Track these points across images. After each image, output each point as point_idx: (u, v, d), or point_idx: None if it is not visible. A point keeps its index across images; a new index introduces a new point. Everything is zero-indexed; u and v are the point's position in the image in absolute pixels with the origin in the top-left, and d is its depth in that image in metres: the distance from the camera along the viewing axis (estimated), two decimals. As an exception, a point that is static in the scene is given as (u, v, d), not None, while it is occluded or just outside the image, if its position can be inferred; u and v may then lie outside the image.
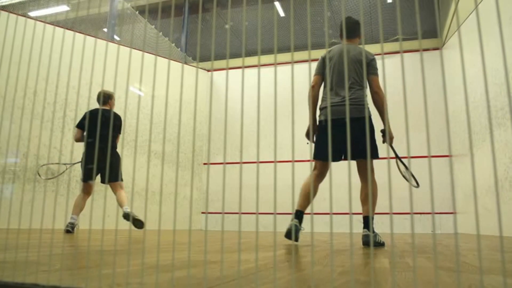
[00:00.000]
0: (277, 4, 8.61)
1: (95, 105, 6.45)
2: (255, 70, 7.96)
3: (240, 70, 8.42)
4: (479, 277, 1.20)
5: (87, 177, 4.27)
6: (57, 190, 5.91)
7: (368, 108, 2.84)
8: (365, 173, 2.83)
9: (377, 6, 7.84)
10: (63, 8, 8.61)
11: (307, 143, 2.73)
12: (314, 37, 8.59)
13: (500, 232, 0.77)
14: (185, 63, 8.58)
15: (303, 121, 4.47)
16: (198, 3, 9.41)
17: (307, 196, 2.89)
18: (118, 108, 6.63)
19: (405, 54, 7.17)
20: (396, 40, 7.67)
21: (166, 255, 1.87)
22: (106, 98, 4.57)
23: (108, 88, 5.60)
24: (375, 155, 2.77)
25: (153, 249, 2.29)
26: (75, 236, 3.53)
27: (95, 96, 6.43)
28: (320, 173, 2.96)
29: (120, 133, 4.51)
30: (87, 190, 4.37)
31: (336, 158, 2.80)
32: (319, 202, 4.64)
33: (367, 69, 2.92)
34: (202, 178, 8.26)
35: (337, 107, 2.84)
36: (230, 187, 4.91)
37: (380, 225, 6.79)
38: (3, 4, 7.91)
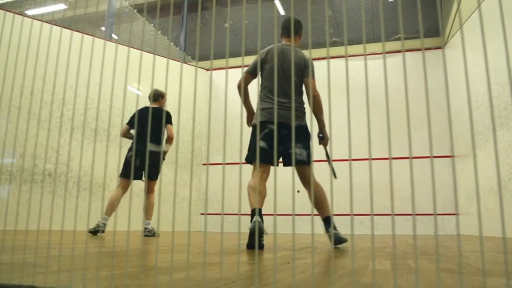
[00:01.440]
0: (277, 2, 8.61)
1: (93, 104, 6.45)
2: (255, 69, 7.95)
3: (239, 69, 8.41)
4: (482, 279, 1.20)
5: (127, 174, 4.30)
6: (54, 191, 5.91)
7: (304, 115, 2.88)
8: (305, 179, 2.87)
9: (378, 4, 7.85)
10: (61, 6, 8.61)
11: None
12: (314, 36, 8.59)
13: (503, 233, 0.77)
14: (184, 62, 8.58)
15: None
16: (197, 2, 9.41)
17: (260, 195, 2.79)
18: (116, 108, 6.63)
19: (407, 53, 7.16)
20: (398, 39, 7.66)
21: (165, 257, 1.87)
22: (156, 96, 4.61)
23: (106, 87, 5.60)
24: (308, 161, 2.80)
25: (152, 251, 2.29)
26: (73, 237, 3.52)
27: (93, 96, 6.43)
28: (262, 172, 2.85)
29: (171, 123, 4.55)
30: (123, 186, 4.41)
31: (268, 161, 2.80)
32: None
33: (305, 72, 2.90)
34: (201, 178, 8.26)
35: (277, 111, 2.80)
36: (229, 188, 4.89)
37: (381, 226, 6.82)
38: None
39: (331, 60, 7.30)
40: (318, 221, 6.84)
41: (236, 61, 8.55)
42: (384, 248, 2.82)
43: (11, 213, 3.95)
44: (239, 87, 2.97)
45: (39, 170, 5.79)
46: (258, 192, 2.75)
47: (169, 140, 4.53)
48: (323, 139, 3.03)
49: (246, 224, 4.94)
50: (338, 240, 2.70)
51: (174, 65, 7.62)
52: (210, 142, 8.11)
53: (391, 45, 7.67)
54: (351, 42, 8.12)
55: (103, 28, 7.88)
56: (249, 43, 9.61)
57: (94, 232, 3.74)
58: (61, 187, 5.99)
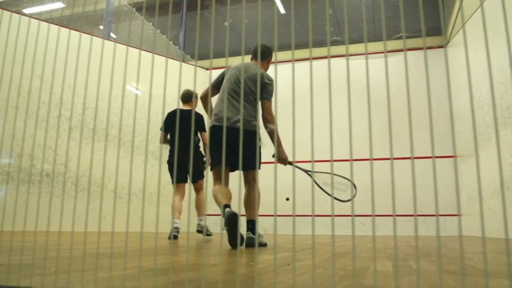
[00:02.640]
0: (277, 1, 8.61)
1: (91, 104, 6.45)
2: (255, 68, 7.95)
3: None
4: (485, 281, 1.20)
5: (176, 179, 4.37)
6: (52, 192, 5.90)
7: (256, 125, 3.06)
8: (249, 182, 3.07)
9: (379, 2, 7.85)
10: (58, 5, 8.60)
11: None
12: (315, 35, 8.59)
13: (506, 234, 0.77)
14: (183, 61, 8.58)
15: (305, 121, 4.47)
16: (197, 0, 9.41)
17: (224, 196, 2.96)
18: (114, 107, 6.63)
19: (409, 52, 7.16)
20: (400, 38, 7.67)
21: (163, 258, 1.87)
22: (189, 97, 4.62)
23: (105, 87, 5.59)
24: (255, 166, 2.96)
25: (151, 252, 2.29)
26: (71, 238, 3.52)
27: (91, 95, 6.43)
28: (217, 180, 3.09)
29: (204, 131, 4.53)
30: (179, 192, 4.51)
31: (226, 165, 2.99)
32: (321, 204, 4.65)
33: (261, 92, 3.07)
34: (200, 179, 8.25)
35: (230, 117, 3.01)
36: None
37: (382, 227, 6.81)
38: (-3, 1, 7.92)
39: (332, 59, 7.29)
40: (319, 222, 6.87)
41: (236, 60, 8.55)
42: (386, 249, 2.82)
43: (9, 213, 3.95)
44: (202, 98, 3.22)
45: (37, 171, 5.79)
46: (224, 193, 2.96)
47: (204, 145, 4.58)
48: (278, 160, 3.10)
49: (245, 225, 4.94)
50: (250, 244, 2.86)
51: (173, 64, 7.62)
52: (210, 142, 8.10)
53: (392, 44, 7.67)
54: (352, 41, 8.12)
55: (101, 27, 7.88)
56: (249, 42, 9.61)
57: (174, 237, 4.02)
58: (59, 187, 5.99)
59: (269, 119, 3.09)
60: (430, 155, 6.27)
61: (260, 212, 4.75)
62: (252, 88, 3.13)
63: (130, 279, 1.14)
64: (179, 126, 3.65)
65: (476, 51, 4.35)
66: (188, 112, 4.42)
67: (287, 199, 4.23)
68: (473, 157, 6.15)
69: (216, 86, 3.28)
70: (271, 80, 3.14)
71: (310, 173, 3.28)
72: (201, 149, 4.65)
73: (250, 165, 2.98)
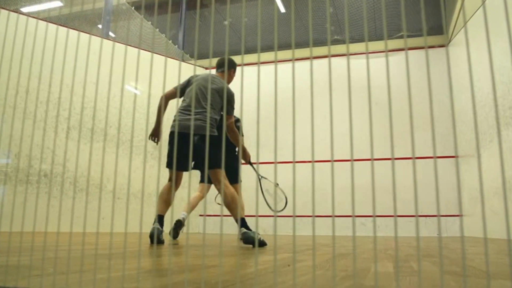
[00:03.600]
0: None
1: (89, 104, 6.45)
2: (254, 68, 7.96)
3: (239, 68, 8.40)
4: (486, 282, 1.20)
5: (203, 178, 4.48)
6: (50, 192, 5.91)
7: (215, 129, 3.30)
8: (215, 183, 3.28)
9: (380, 1, 7.84)
10: (56, 3, 8.60)
11: (156, 144, 3.45)
12: (315, 34, 8.59)
13: (508, 235, 0.78)
14: (183, 60, 8.58)
15: (305, 121, 4.48)
16: (196, -1, 9.41)
17: (165, 202, 3.21)
18: (113, 107, 6.63)
19: (410, 52, 7.16)
20: (401, 37, 7.67)
21: (162, 259, 1.87)
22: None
23: (103, 86, 5.58)
24: (216, 165, 3.15)
25: (150, 253, 2.29)
26: (69, 239, 3.52)
27: (89, 95, 6.43)
28: (177, 178, 3.34)
29: (232, 114, 4.68)
30: (202, 190, 4.59)
31: (182, 167, 3.17)
32: (321, 205, 4.65)
33: (226, 106, 3.29)
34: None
35: (185, 122, 3.21)
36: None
37: (383, 228, 6.82)
38: (-6, -1, 7.92)
39: (332, 59, 7.30)
40: (319, 223, 6.88)
41: (236, 59, 8.55)
42: (387, 250, 2.82)
43: (6, 214, 3.94)
44: (166, 97, 3.36)
45: (35, 171, 5.79)
46: (164, 200, 3.21)
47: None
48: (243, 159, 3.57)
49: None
50: (248, 240, 3.02)
51: (173, 63, 7.62)
52: (209, 142, 8.10)
53: (393, 43, 7.68)
54: (353, 40, 8.12)
55: (100, 26, 7.88)
56: (249, 41, 9.61)
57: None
58: (57, 188, 5.99)
59: (232, 135, 3.44)
60: (431, 155, 6.28)
61: (261, 212, 4.72)
62: (217, 99, 3.37)
63: (129, 280, 1.14)
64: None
65: (478, 51, 4.36)
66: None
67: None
68: (475, 157, 6.15)
69: (181, 91, 3.48)
70: (233, 95, 3.41)
71: (260, 177, 3.71)
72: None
73: (212, 164, 3.17)
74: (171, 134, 3.20)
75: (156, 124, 3.41)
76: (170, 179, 3.35)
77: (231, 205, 3.10)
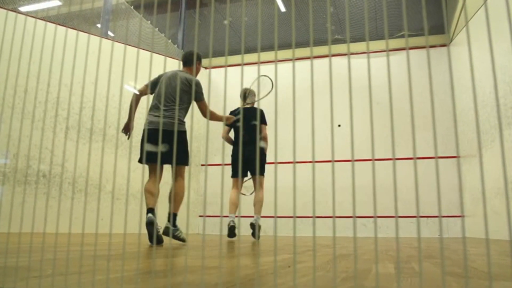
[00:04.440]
0: (277, -2, 8.61)
1: (88, 103, 6.45)
2: (255, 67, 7.96)
3: (239, 67, 8.41)
4: (488, 283, 1.20)
5: (236, 173, 4.63)
6: (49, 193, 5.91)
7: (184, 125, 3.57)
8: (177, 177, 3.53)
9: (382, 0, 7.85)
10: (55, 2, 8.61)
11: (127, 138, 3.58)
12: (316, 34, 8.59)
13: (510, 236, 0.77)
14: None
15: (306, 121, 4.47)
16: (196, -2, 9.41)
17: (151, 197, 3.47)
18: (112, 107, 6.63)
19: (411, 51, 7.16)
20: (402, 36, 7.67)
21: (162, 260, 1.87)
22: (253, 95, 4.87)
23: (102, 86, 5.58)
24: (184, 162, 3.53)
25: (149, 254, 2.29)
26: (68, 240, 3.52)
27: (88, 95, 6.43)
28: (154, 174, 3.53)
29: (265, 124, 4.76)
30: (237, 186, 4.63)
31: (154, 162, 3.34)
32: (322, 205, 4.65)
33: (195, 95, 3.62)
34: (199, 179, 8.25)
35: (157, 118, 3.48)
36: (228, 189, 4.92)
37: (385, 229, 6.82)
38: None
39: (333, 58, 7.30)
40: (320, 224, 6.86)
41: (236, 59, 8.55)
42: (388, 251, 2.82)
43: (4, 215, 3.95)
44: (138, 95, 3.63)
45: (33, 171, 5.78)
46: (151, 192, 3.45)
47: (264, 139, 4.74)
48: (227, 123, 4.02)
49: (245, 227, 4.95)
50: (166, 233, 3.27)
51: (172, 63, 7.62)
52: (209, 142, 8.11)
53: (395, 43, 7.68)
54: (354, 40, 8.12)
55: (98, 25, 7.88)
56: (249, 41, 9.62)
57: (230, 232, 4.30)
58: (55, 188, 5.99)
59: (208, 114, 3.66)
60: (432, 155, 6.28)
61: (263, 213, 4.78)
62: (183, 96, 3.60)
63: (128, 282, 1.14)
64: (243, 123, 4.02)
65: (480, 50, 4.36)
66: (251, 109, 4.74)
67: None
68: (476, 157, 6.15)
69: (151, 88, 3.64)
70: (198, 82, 3.62)
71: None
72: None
73: (179, 161, 3.49)
74: (146, 131, 3.51)
75: (128, 119, 3.66)
76: (150, 174, 3.60)
77: (176, 197, 3.49)
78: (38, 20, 5.41)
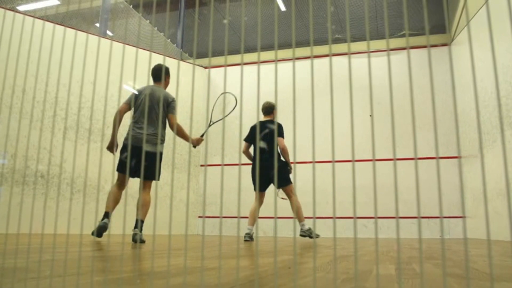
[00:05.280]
0: (277, -2, 8.61)
1: (87, 104, 6.45)
2: (254, 67, 7.96)
3: (238, 67, 8.41)
4: (490, 285, 1.20)
5: (258, 187, 4.68)
6: (47, 193, 5.90)
7: (162, 140, 3.92)
8: (145, 189, 3.90)
9: (382, 0, 7.85)
10: (53, 1, 8.61)
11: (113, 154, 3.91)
12: (316, 33, 8.59)
13: (512, 237, 0.78)
14: (181, 59, 8.58)
15: (306, 121, 4.46)
16: (195, -3, 9.42)
17: (113, 201, 3.73)
18: (110, 107, 6.63)
19: (412, 51, 7.16)
20: (403, 35, 7.67)
21: (161, 261, 1.87)
22: (270, 109, 4.93)
23: (101, 86, 5.59)
24: (154, 177, 3.82)
25: (148, 255, 2.29)
26: (66, 241, 3.52)
27: (87, 94, 6.43)
28: (121, 183, 3.90)
29: (282, 137, 4.86)
30: (260, 200, 4.74)
31: (130, 174, 3.63)
32: (322, 206, 4.65)
33: (167, 108, 3.92)
34: (199, 180, 8.25)
35: (140, 135, 3.82)
36: (228, 190, 4.93)
37: (385, 230, 6.82)
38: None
39: (333, 58, 7.30)
40: (320, 224, 6.85)
41: (235, 58, 8.56)
42: (389, 252, 2.82)
43: (2, 216, 3.95)
44: (120, 111, 3.87)
45: (31, 172, 5.78)
46: (114, 198, 3.73)
47: (283, 152, 4.78)
48: (195, 145, 4.21)
49: (245, 228, 4.96)
50: (135, 239, 3.57)
51: (171, 62, 7.61)
52: (209, 143, 8.11)
53: (395, 42, 7.68)
54: (354, 39, 8.12)
55: (97, 25, 7.88)
56: (249, 40, 9.62)
57: (246, 241, 4.46)
58: (54, 189, 5.99)
59: (176, 128, 3.95)
60: (434, 155, 6.28)
61: (261, 214, 4.78)
62: (161, 110, 3.97)
63: (126, 283, 1.14)
64: (261, 136, 4.29)
65: (482, 49, 4.36)
66: (270, 122, 4.82)
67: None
68: (478, 158, 6.15)
69: (128, 103, 3.99)
70: (173, 98, 3.94)
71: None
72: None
73: (152, 176, 3.85)
74: (125, 146, 3.88)
75: (112, 137, 3.95)
76: (117, 181, 3.92)
77: (144, 207, 3.84)
78: (36, 20, 5.40)
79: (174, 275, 1.34)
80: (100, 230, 3.55)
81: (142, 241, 3.70)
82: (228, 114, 4.32)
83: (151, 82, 4.20)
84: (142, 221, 3.76)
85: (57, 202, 5.57)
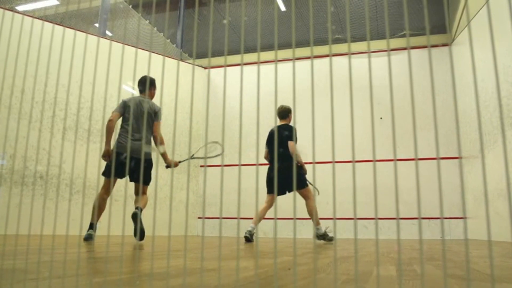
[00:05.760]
0: (277, -2, 8.62)
1: (86, 104, 6.45)
2: (254, 67, 7.96)
3: (238, 67, 8.40)
4: (491, 286, 1.20)
5: (271, 190, 4.78)
6: (46, 194, 5.90)
7: (150, 154, 4.15)
8: (139, 192, 4.23)
9: (383, 0, 7.86)
10: (53, 1, 8.61)
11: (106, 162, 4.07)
12: (316, 33, 8.59)
13: (513, 238, 0.77)
14: (181, 60, 8.58)
15: (306, 121, 4.47)
16: (195, -3, 9.42)
17: (99, 210, 3.91)
18: (110, 107, 6.63)
19: (413, 51, 7.16)
20: (403, 35, 7.67)
21: (160, 263, 1.86)
22: (285, 113, 4.94)
23: (100, 86, 5.58)
24: (148, 182, 4.27)
25: (147, 256, 2.29)
26: (65, 242, 3.52)
27: (86, 95, 6.42)
28: (107, 189, 4.07)
29: (293, 140, 4.88)
30: (271, 202, 4.82)
31: (126, 173, 3.74)
32: (322, 206, 4.65)
33: (155, 116, 4.24)
34: (198, 181, 8.25)
35: (132, 143, 4.13)
36: (228, 190, 4.93)
37: (386, 231, 6.82)
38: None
39: (334, 58, 7.30)
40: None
41: (235, 58, 8.56)
42: (389, 253, 2.82)
43: (1, 217, 3.95)
44: (111, 120, 4.12)
45: (30, 172, 5.78)
46: (100, 207, 3.92)
47: (293, 156, 4.79)
48: (169, 167, 4.40)
49: (245, 229, 4.96)
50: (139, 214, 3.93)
51: (171, 63, 7.62)
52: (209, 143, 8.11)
53: (396, 42, 7.68)
54: (355, 39, 8.12)
55: (96, 25, 7.88)
56: (249, 40, 9.62)
57: (246, 239, 4.55)
58: (53, 190, 5.98)
59: (157, 138, 4.21)
60: (434, 156, 6.28)
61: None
62: (148, 120, 4.21)
63: (126, 284, 1.14)
64: (277, 141, 4.36)
65: (482, 50, 4.36)
66: (284, 127, 4.89)
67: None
68: (479, 158, 6.15)
69: (120, 112, 4.18)
70: (159, 108, 4.33)
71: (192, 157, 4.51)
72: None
73: (144, 182, 4.21)
74: (115, 153, 4.07)
75: (106, 145, 4.13)
76: (103, 187, 4.09)
77: (143, 201, 4.18)
78: (36, 20, 5.41)
79: (173, 276, 1.34)
80: (87, 240, 3.68)
81: (142, 231, 3.94)
82: (210, 157, 4.51)
83: (147, 83, 4.28)
84: (141, 209, 4.07)
85: (56, 203, 5.57)
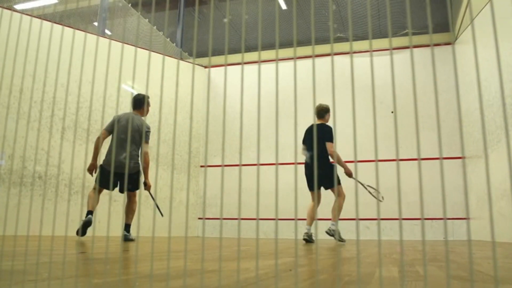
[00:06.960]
0: (278, -4, 8.62)
1: (85, 103, 6.46)
2: (255, 66, 7.96)
3: (239, 66, 8.41)
4: (494, 287, 1.20)
5: (310, 187, 4.83)
6: (45, 194, 5.91)
7: (139, 165, 4.50)
8: (130, 198, 4.53)
9: (385, -2, 7.85)
10: (51, 0, 8.62)
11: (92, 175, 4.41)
12: (318, 32, 8.59)
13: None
14: (181, 59, 8.59)
15: (306, 121, 4.47)
16: (195, -5, 9.42)
17: (94, 202, 4.35)
18: (109, 107, 6.64)
19: (415, 50, 7.16)
20: (406, 34, 7.66)
21: (160, 264, 1.87)
22: (322, 112, 4.96)
23: (99, 85, 5.58)
24: (136, 189, 4.58)
25: (147, 257, 2.29)
26: (64, 243, 3.52)
27: (85, 94, 6.43)
28: (98, 191, 4.41)
29: (331, 141, 4.91)
30: (318, 199, 4.79)
31: (110, 188, 3.98)
32: (324, 207, 4.66)
33: (146, 138, 4.57)
34: (199, 181, 8.25)
35: (119, 161, 4.37)
36: (228, 191, 4.92)
37: (388, 231, 6.81)
38: (-13, -4, 7.92)
39: (335, 57, 7.30)
40: (321, 227, 6.89)
41: (236, 58, 8.55)
42: (391, 254, 2.82)
43: (-1, 217, 3.95)
44: (99, 138, 4.57)
45: (29, 173, 5.79)
46: (94, 200, 4.33)
47: (332, 157, 4.82)
48: (146, 186, 4.64)
49: (245, 229, 4.94)
50: (126, 239, 4.34)
51: (171, 62, 7.62)
52: (209, 143, 8.11)
53: (398, 41, 7.67)
54: (357, 38, 8.12)
55: (95, 23, 7.89)
56: (249, 39, 9.62)
57: (306, 240, 4.58)
58: (51, 190, 5.99)
59: (146, 159, 4.46)
60: (437, 156, 6.28)
61: (261, 215, 4.77)
62: (136, 137, 4.57)
63: (125, 285, 1.14)
64: (312, 139, 4.51)
65: (486, 48, 4.36)
66: (319, 127, 4.89)
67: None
68: (482, 158, 6.15)
69: (109, 130, 4.43)
70: (149, 128, 4.59)
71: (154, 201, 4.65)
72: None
73: (134, 189, 4.58)
74: (103, 168, 4.35)
75: (92, 160, 4.44)
76: (94, 188, 4.50)
77: (130, 214, 4.50)
78: (34, 18, 5.41)
79: (174, 277, 1.35)
80: (85, 226, 3.98)
81: (131, 240, 4.33)
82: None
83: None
84: (129, 225, 4.51)
85: (55, 204, 5.57)
